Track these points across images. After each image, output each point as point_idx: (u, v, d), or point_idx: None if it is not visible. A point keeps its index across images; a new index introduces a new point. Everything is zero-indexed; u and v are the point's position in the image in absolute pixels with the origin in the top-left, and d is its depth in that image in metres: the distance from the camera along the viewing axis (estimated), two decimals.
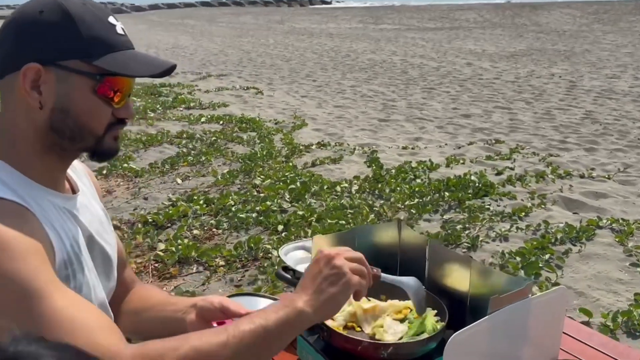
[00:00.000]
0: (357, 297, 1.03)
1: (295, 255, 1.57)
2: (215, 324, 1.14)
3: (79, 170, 1.28)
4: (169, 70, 1.10)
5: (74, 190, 1.18)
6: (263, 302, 1.43)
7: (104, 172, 5.25)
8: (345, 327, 1.26)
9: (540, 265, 3.46)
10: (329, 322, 1.23)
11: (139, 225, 4.00)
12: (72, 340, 0.84)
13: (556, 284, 3.28)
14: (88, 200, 1.22)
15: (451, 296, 1.34)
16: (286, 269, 1.52)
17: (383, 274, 1.11)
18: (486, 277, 1.26)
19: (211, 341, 0.89)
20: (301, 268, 1.51)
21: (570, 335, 1.45)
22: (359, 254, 1.04)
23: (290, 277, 1.47)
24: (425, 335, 1.19)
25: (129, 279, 1.39)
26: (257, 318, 0.94)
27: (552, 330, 1.26)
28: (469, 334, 1.06)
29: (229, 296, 1.43)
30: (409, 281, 1.17)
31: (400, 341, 1.18)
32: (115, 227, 3.97)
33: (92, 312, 0.93)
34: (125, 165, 5.44)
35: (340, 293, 0.98)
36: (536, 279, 3.34)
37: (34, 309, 0.86)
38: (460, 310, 1.31)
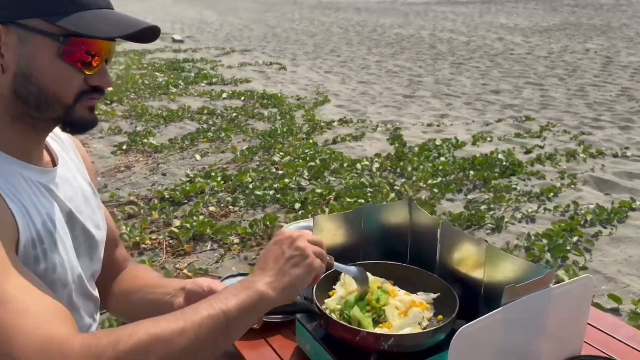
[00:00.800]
0: (314, 282, 0.98)
1: None
2: None
3: (66, 142, 1.19)
4: (147, 33, 0.98)
5: (54, 164, 1.10)
6: None
7: (124, 147, 5.23)
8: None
9: (568, 248, 3.31)
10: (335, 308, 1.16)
11: (156, 201, 3.95)
12: (18, 325, 0.77)
13: (584, 268, 3.12)
14: (72, 174, 1.14)
15: (464, 284, 1.23)
16: None
17: (336, 263, 1.08)
18: (503, 263, 1.14)
19: (167, 327, 0.81)
20: None
21: (595, 327, 1.33)
22: (319, 238, 1.01)
23: None
24: (421, 326, 1.08)
25: (120, 258, 1.31)
26: (217, 302, 0.86)
27: (575, 323, 1.14)
28: (479, 327, 0.94)
29: (225, 277, 1.35)
30: (353, 270, 1.16)
31: (402, 332, 1.08)
32: (132, 203, 3.96)
33: (45, 299, 0.85)
34: (145, 140, 5.41)
35: (304, 275, 0.93)
36: (563, 263, 3.19)
37: None
38: (473, 300, 1.20)
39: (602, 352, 1.23)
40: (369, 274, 1.19)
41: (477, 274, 1.19)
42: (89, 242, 1.13)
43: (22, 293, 0.82)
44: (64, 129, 1.02)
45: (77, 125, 1.00)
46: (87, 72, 0.96)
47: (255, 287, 0.89)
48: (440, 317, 1.17)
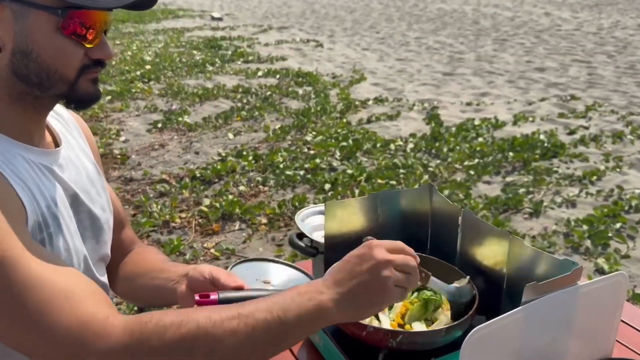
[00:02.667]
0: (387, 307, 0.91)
1: (313, 221, 1.41)
2: (197, 297, 1.01)
3: (69, 122, 1.15)
4: (145, 2, 0.94)
5: (57, 144, 1.06)
6: (274, 268, 1.28)
7: (159, 125, 5.26)
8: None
9: (610, 235, 3.15)
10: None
11: (187, 180, 3.96)
12: (51, 308, 0.74)
13: (626, 256, 2.97)
14: (75, 154, 1.10)
15: (486, 277, 1.14)
16: (301, 236, 1.37)
17: (434, 279, 0.98)
18: (528, 257, 1.05)
19: (220, 324, 0.76)
20: (318, 236, 1.35)
21: (630, 325, 1.23)
22: (411, 261, 0.86)
23: (305, 246, 1.31)
24: (442, 324, 1.01)
25: (127, 240, 1.28)
26: (276, 307, 0.79)
27: (606, 324, 1.04)
28: (495, 328, 0.87)
29: (234, 264, 1.30)
30: (455, 290, 1.05)
31: (412, 330, 1.01)
32: (164, 181, 3.99)
33: (77, 277, 0.81)
34: (180, 119, 5.43)
35: (374, 306, 0.84)
36: (603, 251, 3.04)
37: (9, 276, 0.76)
38: (495, 295, 1.12)
39: (637, 353, 1.14)
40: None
41: (500, 267, 1.11)
42: (94, 225, 1.10)
43: (51, 273, 0.78)
44: (67, 106, 0.98)
45: (82, 101, 0.97)
46: (87, 45, 0.91)
47: (320, 301, 0.81)
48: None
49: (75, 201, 1.05)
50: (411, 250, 0.89)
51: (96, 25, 0.91)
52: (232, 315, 0.78)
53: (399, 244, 0.89)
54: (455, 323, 1.01)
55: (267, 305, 0.80)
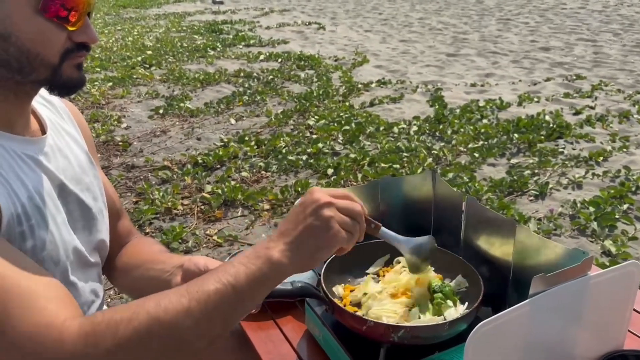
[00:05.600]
0: (339, 253, 0.86)
1: None
2: None
3: (59, 108, 1.12)
4: None
5: (44, 132, 1.02)
6: None
7: (161, 111, 5.22)
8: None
9: (617, 216, 3.10)
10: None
11: (189, 166, 3.93)
12: (13, 315, 0.72)
13: (633, 238, 2.92)
14: (65, 142, 1.07)
15: (491, 267, 1.11)
16: None
17: (384, 229, 0.95)
18: (535, 246, 1.02)
19: (171, 308, 0.74)
20: None
21: None
22: (355, 206, 0.86)
23: None
24: (443, 317, 0.97)
25: (123, 231, 1.25)
26: (225, 275, 0.77)
27: (617, 315, 1.00)
28: (499, 322, 0.83)
29: (234, 255, 1.27)
30: (409, 241, 0.98)
31: (416, 324, 0.97)
32: (166, 168, 3.95)
33: (40, 279, 0.79)
34: (182, 104, 5.38)
35: (322, 248, 0.82)
36: (610, 232, 2.99)
37: None
38: (501, 285, 1.08)
39: None
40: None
41: (506, 256, 1.07)
42: (86, 215, 1.07)
43: (14, 273, 0.76)
44: (51, 92, 0.94)
45: (65, 87, 0.93)
46: (70, 29, 0.87)
47: (268, 255, 0.80)
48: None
49: (63, 191, 1.01)
50: (357, 199, 0.88)
51: (78, 6, 0.87)
52: (180, 294, 0.76)
53: (344, 191, 0.89)
54: (460, 316, 0.97)
55: (214, 277, 0.78)
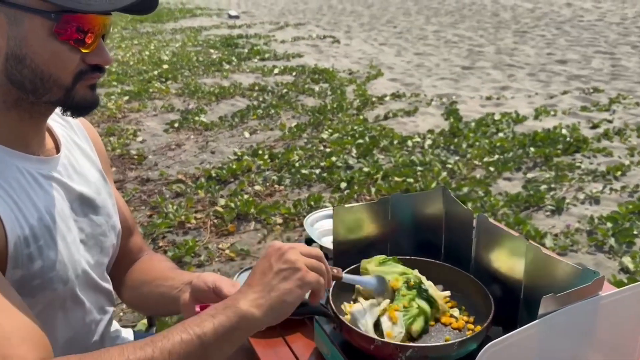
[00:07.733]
0: (314, 299, 0.87)
1: (322, 226, 1.38)
2: (198, 308, 0.97)
3: (75, 126, 1.13)
4: (146, 3, 0.90)
5: (59, 150, 1.04)
6: None
7: (176, 125, 5.26)
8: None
9: (635, 232, 3.04)
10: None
11: (202, 180, 3.95)
12: None
13: None
14: (79, 161, 1.08)
15: (502, 285, 1.09)
16: (310, 241, 1.33)
17: (345, 274, 0.99)
18: (546, 265, 1.00)
19: (133, 358, 0.73)
20: (327, 242, 1.31)
21: None
22: (316, 250, 0.88)
23: None
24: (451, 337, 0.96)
25: (135, 248, 1.26)
26: (192, 325, 0.78)
27: (630, 336, 0.98)
28: (509, 343, 0.81)
29: (241, 271, 1.27)
30: (370, 281, 1.04)
31: (425, 344, 0.96)
32: (180, 181, 3.98)
33: (17, 318, 0.78)
34: (197, 118, 5.42)
35: (294, 289, 0.82)
36: (628, 249, 2.94)
37: None
38: (512, 304, 1.06)
39: None
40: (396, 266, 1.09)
41: (517, 275, 1.05)
42: (97, 232, 1.08)
43: None
44: (64, 112, 0.95)
45: (79, 107, 0.94)
46: (84, 50, 0.89)
47: (236, 306, 0.80)
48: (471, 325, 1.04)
49: (75, 210, 1.02)
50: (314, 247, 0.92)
51: (94, 29, 0.89)
52: (145, 344, 0.76)
53: (297, 243, 0.94)
54: (469, 337, 0.96)
55: (181, 327, 0.78)
